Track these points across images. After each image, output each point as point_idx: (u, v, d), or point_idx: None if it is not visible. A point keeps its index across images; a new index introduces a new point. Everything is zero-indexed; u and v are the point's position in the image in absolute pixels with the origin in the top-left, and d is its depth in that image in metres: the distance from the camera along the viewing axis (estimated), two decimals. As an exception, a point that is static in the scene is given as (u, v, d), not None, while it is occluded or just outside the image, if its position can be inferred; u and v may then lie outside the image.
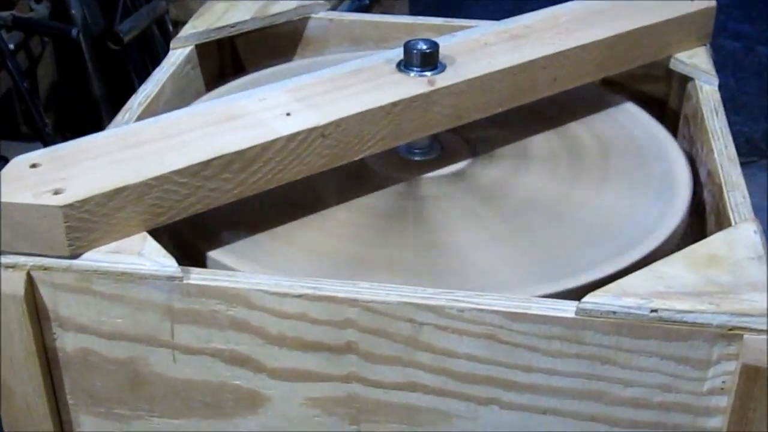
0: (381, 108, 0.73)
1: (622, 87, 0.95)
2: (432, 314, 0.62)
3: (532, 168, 0.82)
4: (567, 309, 0.61)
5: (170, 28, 2.01)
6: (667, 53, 0.89)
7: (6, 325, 0.65)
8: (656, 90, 0.95)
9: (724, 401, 0.62)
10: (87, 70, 2.00)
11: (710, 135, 0.79)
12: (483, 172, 0.81)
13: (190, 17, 0.99)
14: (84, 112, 2.15)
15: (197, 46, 0.94)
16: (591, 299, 0.61)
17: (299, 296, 0.63)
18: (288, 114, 0.72)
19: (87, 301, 0.65)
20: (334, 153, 0.73)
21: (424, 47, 0.77)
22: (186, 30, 0.95)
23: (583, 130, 0.87)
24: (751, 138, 2.81)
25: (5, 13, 1.87)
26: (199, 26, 0.95)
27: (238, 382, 0.66)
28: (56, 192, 0.63)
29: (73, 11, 1.95)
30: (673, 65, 0.90)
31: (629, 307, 0.60)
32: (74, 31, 1.91)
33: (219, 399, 0.67)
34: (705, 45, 0.91)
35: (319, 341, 0.64)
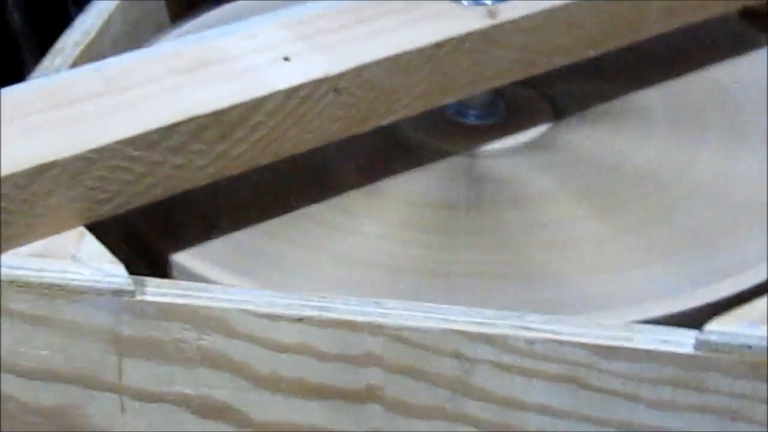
0: (419, 51, 0.74)
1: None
2: (489, 347, 0.62)
3: (633, 133, 0.83)
4: (683, 341, 0.61)
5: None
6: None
7: None
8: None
9: None
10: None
11: None
12: (571, 138, 0.82)
13: None
14: (-1, 51, 2.17)
15: None
16: (717, 327, 0.61)
17: (300, 320, 0.63)
18: (287, 59, 0.73)
19: (3, 325, 0.66)
20: (353, 115, 0.73)
21: (484, -38, 0.78)
22: None
23: (710, 80, 0.88)
24: None
25: None
26: (161, -71, 0.97)
27: None
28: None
29: None
30: None
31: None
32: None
33: None
34: None
35: (328, 384, 0.65)
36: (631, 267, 0.71)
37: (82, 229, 0.67)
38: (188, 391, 0.66)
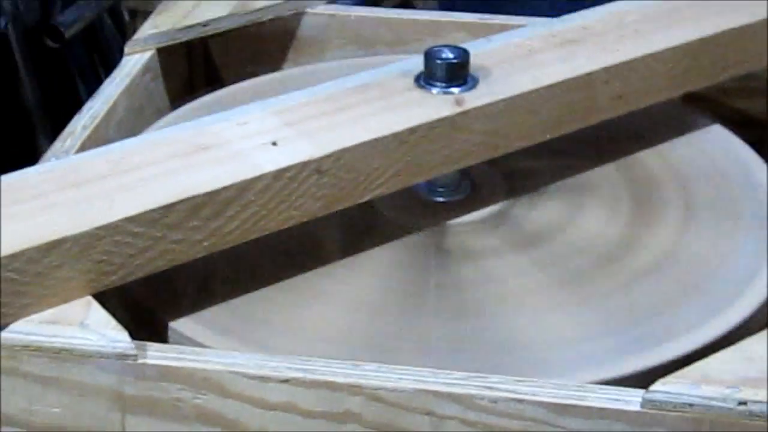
0: (394, 136, 0.74)
1: (709, 104, 0.95)
2: (457, 406, 0.63)
3: (590, 209, 0.83)
4: (630, 400, 0.62)
5: (126, 18, 2.03)
6: (763, 64, 0.90)
7: None
8: (753, 108, 0.96)
9: None
10: (17, 72, 2.02)
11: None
12: (527, 215, 0.82)
13: (152, 7, 1.00)
14: (13, 125, 2.16)
15: (159, 51, 0.96)
16: (662, 387, 0.61)
17: (286, 381, 0.63)
18: (274, 143, 0.73)
19: (14, 385, 0.66)
20: (334, 194, 0.74)
21: (451, 56, 0.78)
22: (145, 30, 0.96)
23: (656, 161, 0.88)
24: None
25: None
26: (161, 25, 0.97)
27: None
28: (-22, 244, 0.65)
29: (0, -2, 1.98)
30: (773, 77, 0.91)
31: (711, 398, 0.61)
32: (2, 22, 1.93)
33: None
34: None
35: None
36: (585, 334, 0.72)
37: (89, 298, 0.67)
38: (186, 445, 0.66)
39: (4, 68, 2.04)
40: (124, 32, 2.04)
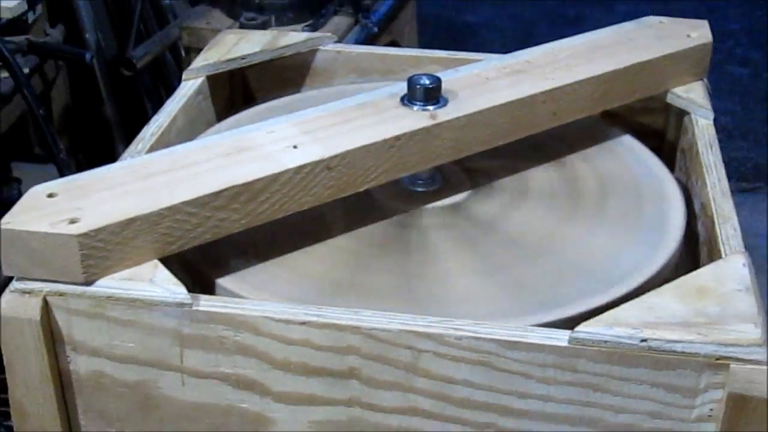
0: (384, 141, 0.75)
1: (621, 119, 0.96)
2: (431, 342, 0.63)
3: (527, 203, 0.83)
4: (560, 338, 0.63)
5: (183, 54, 2.03)
6: (664, 87, 0.91)
7: (22, 349, 0.67)
8: (654, 123, 0.96)
9: (711, 428, 0.63)
10: (100, 94, 2.02)
11: (704, 169, 0.81)
12: (480, 205, 0.82)
13: (203, 44, 1.00)
14: (97, 135, 2.16)
15: (208, 78, 0.96)
16: (583, 329, 0.62)
17: (304, 323, 0.64)
18: (295, 147, 0.73)
19: (100, 326, 0.67)
20: (339, 185, 0.74)
21: (427, 82, 0.78)
22: (197, 62, 0.96)
23: (580, 163, 0.88)
24: (758, 164, 2.81)
25: (20, 38, 1.89)
26: (210, 58, 0.97)
27: (244, 406, 0.68)
28: (72, 221, 0.65)
29: (87, 36, 1.97)
30: (670, 99, 0.91)
31: (620, 337, 0.62)
32: (88, 56, 1.92)
33: (226, 421, 0.69)
34: (701, 80, 0.93)
35: (322, 366, 0.65)
36: (506, 293, 0.72)
37: (156, 261, 0.68)
38: (227, 371, 0.67)
39: (90, 91, 2.04)
40: (181, 64, 2.04)
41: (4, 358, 0.68)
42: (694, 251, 0.80)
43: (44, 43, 1.96)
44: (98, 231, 0.65)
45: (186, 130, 0.90)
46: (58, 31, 2.06)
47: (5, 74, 1.83)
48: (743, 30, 3.86)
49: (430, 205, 0.82)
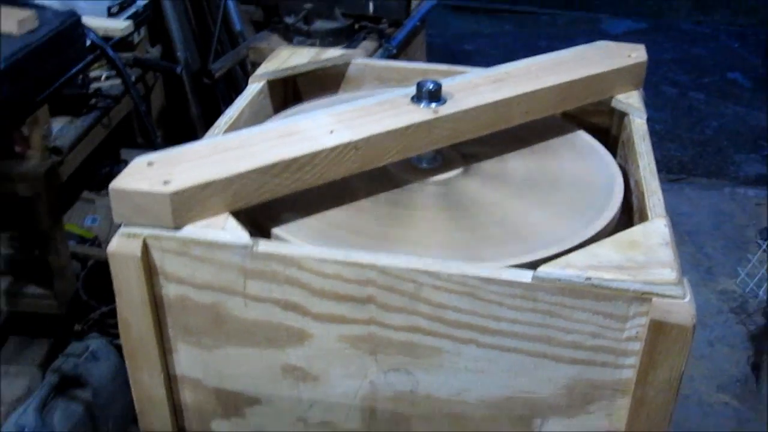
0: (398, 129, 0.75)
1: (577, 119, 0.96)
2: (429, 277, 0.64)
3: (501, 183, 0.81)
4: (526, 276, 0.63)
5: (249, 68, 2.04)
6: (609, 94, 0.90)
7: (127, 279, 0.68)
8: (602, 122, 0.96)
9: (637, 346, 0.64)
10: (187, 98, 2.03)
11: (638, 155, 0.80)
12: (465, 181, 0.81)
13: (264, 60, 1.00)
14: (184, 129, 2.17)
15: (268, 82, 0.96)
16: (543, 269, 0.63)
17: (335, 262, 0.65)
18: (331, 132, 0.74)
19: (185, 261, 0.67)
20: (364, 161, 0.74)
21: (431, 86, 0.78)
22: (260, 70, 0.96)
23: (544, 151, 0.87)
24: (682, 161, 2.81)
25: (129, 54, 1.91)
26: (269, 67, 0.97)
27: (289, 323, 0.68)
28: (165, 183, 0.66)
29: (178, 54, 1.98)
30: (614, 103, 0.91)
31: (570, 276, 0.62)
32: (179, 69, 1.94)
33: (276, 335, 0.69)
34: (638, 89, 0.92)
35: (348, 294, 0.66)
36: (483, 244, 0.72)
37: (227, 214, 0.68)
38: (278, 296, 0.67)
39: (179, 95, 2.05)
40: (248, 75, 2.05)
41: (114, 286, 0.69)
42: (629, 218, 0.80)
43: (146, 58, 1.98)
44: (185, 190, 0.66)
45: (250, 121, 0.90)
46: (156, 49, 2.07)
47: (116, 81, 1.85)
48: (674, 59, 3.84)
49: (429, 179, 0.81)
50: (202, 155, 0.70)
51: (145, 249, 0.67)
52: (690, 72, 3.69)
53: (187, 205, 0.66)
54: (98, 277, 1.82)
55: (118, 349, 1.68)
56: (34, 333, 1.91)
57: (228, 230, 0.66)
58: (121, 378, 1.59)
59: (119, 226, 0.68)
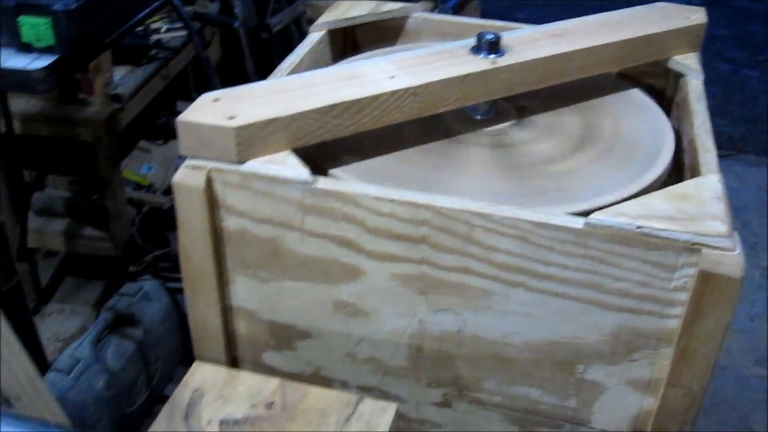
0: (456, 78, 0.75)
1: (632, 79, 0.95)
2: (483, 219, 0.65)
3: (552, 136, 0.81)
4: (578, 222, 0.64)
5: (305, 25, 2.04)
6: (666, 55, 0.89)
7: (190, 210, 0.70)
8: (657, 83, 0.95)
9: (684, 296, 0.64)
10: (243, 52, 2.04)
11: (693, 114, 0.80)
12: (517, 132, 0.81)
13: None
14: (240, 82, 2.19)
15: (329, 32, 0.96)
16: (595, 216, 0.63)
17: (391, 201, 0.66)
18: (392, 77, 0.74)
19: (246, 195, 0.68)
20: (421, 107, 0.75)
21: (491, 37, 0.78)
22: (321, 19, 0.97)
23: (599, 109, 0.87)
24: (732, 137, 2.76)
25: (188, 8, 1.92)
26: (330, 18, 0.97)
27: (344, 260, 0.69)
28: (231, 117, 0.67)
29: (235, 9, 1.99)
30: (670, 64, 0.90)
31: (622, 223, 0.63)
32: (236, 24, 1.95)
33: (330, 270, 0.71)
34: (696, 51, 0.91)
35: (402, 233, 0.67)
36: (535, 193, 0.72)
37: (289, 151, 0.69)
38: (335, 233, 0.68)
39: (236, 50, 2.06)
40: (304, 32, 2.05)
41: (177, 217, 0.71)
42: (680, 177, 0.80)
43: (204, 12, 1.99)
44: (249, 125, 0.67)
45: (310, 68, 0.90)
46: (215, 4, 2.08)
47: (176, 34, 1.87)
48: (729, 36, 3.76)
49: (483, 129, 0.81)
50: (266, 94, 0.71)
51: (209, 181, 0.68)
52: (744, 49, 3.61)
53: (251, 140, 0.67)
54: (152, 222, 1.86)
55: (170, 292, 1.72)
56: (90, 274, 1.96)
57: (289, 166, 0.68)
58: (171, 320, 1.63)
59: (175, 171, 0.70)
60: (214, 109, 0.69)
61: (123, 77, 1.82)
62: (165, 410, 0.63)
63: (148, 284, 1.65)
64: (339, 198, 0.67)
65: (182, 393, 0.64)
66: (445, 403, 0.75)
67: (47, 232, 1.89)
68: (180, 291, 1.80)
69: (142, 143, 2.07)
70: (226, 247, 0.72)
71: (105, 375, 1.44)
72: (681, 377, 0.67)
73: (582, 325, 0.68)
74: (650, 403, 0.69)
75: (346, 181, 0.71)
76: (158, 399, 1.66)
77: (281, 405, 0.63)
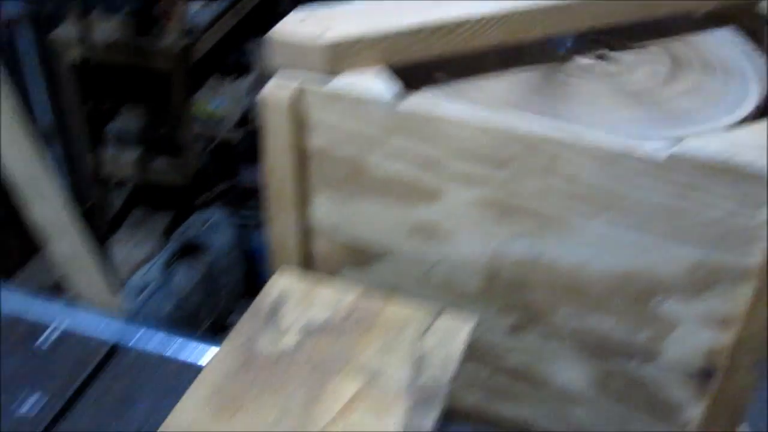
0: (540, 8, 0.74)
1: (724, 19, 0.92)
2: (566, 146, 0.64)
3: (644, 66, 0.80)
4: (663, 151, 0.62)
5: None
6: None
7: (276, 125, 0.70)
8: (750, 24, 0.92)
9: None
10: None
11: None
12: (608, 64, 0.80)
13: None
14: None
15: None
16: (681, 146, 0.62)
17: (476, 123, 0.65)
18: (482, 1, 0.73)
19: (332, 112, 0.69)
20: (509, 33, 0.74)
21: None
22: None
23: (688, 43, 0.85)
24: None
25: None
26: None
27: (425, 181, 0.70)
28: (320, 35, 0.68)
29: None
30: (762, 5, 0.87)
31: (708, 154, 0.61)
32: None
33: (410, 191, 0.71)
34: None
35: (485, 156, 0.67)
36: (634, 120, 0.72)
37: (378, 68, 0.69)
38: (418, 152, 0.69)
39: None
40: None
41: (263, 131, 0.72)
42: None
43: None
44: (338, 43, 0.67)
45: None
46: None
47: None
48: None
49: (569, 62, 0.80)
50: (356, 13, 0.72)
51: (296, 97, 0.69)
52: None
53: (339, 58, 0.68)
54: (221, 155, 1.89)
55: (236, 225, 1.76)
56: (159, 204, 2.01)
57: (376, 85, 0.68)
58: (236, 252, 1.66)
59: (248, 104, 0.71)
60: (305, 26, 0.69)
61: (197, 11, 1.84)
62: (249, 312, 0.64)
63: (216, 215, 1.68)
64: (424, 118, 0.67)
65: (266, 297, 0.66)
66: (516, 330, 0.75)
67: (120, 162, 1.94)
68: (245, 226, 1.83)
69: (213, 78, 2.09)
70: (309, 165, 0.73)
71: (173, 298, 1.49)
72: (758, 315, 0.67)
73: (660, 258, 0.67)
74: (724, 339, 0.69)
75: (435, 99, 0.71)
76: (220, 328, 1.70)
77: (360, 314, 0.65)
